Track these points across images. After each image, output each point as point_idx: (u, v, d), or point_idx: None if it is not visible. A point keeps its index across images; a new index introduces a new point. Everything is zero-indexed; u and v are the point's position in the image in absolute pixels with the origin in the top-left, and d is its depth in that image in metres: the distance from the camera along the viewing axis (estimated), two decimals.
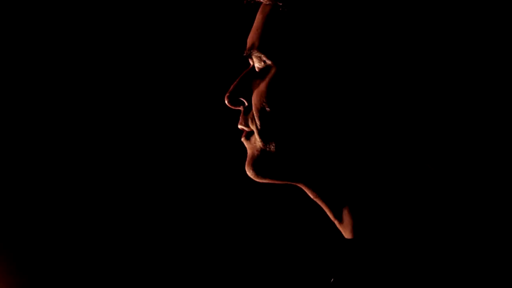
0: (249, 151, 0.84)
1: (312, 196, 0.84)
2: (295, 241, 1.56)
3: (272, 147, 0.81)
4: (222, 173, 1.67)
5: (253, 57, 0.83)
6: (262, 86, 0.82)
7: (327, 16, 0.79)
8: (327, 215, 0.85)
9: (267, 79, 0.81)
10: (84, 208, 1.68)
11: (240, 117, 0.85)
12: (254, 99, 0.82)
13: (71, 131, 1.69)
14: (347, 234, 0.82)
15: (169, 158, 1.71)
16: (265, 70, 0.82)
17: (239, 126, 0.86)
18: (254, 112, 0.82)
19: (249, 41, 0.84)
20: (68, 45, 1.67)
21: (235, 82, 0.85)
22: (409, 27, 0.79)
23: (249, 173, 0.84)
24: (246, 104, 0.84)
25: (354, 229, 0.81)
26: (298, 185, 0.84)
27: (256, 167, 0.83)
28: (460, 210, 0.76)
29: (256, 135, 0.82)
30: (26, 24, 1.65)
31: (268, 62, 0.81)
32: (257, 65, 0.84)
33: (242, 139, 0.85)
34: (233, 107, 0.86)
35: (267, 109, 0.81)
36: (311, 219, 1.54)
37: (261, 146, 0.82)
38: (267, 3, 0.82)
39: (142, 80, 1.70)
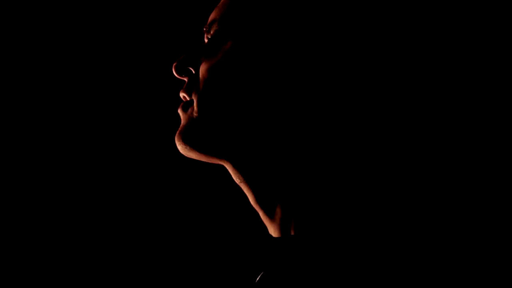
0: (183, 121, 0.83)
1: (237, 181, 0.82)
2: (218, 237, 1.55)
3: (208, 118, 0.80)
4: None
5: (211, 31, 0.83)
6: (213, 57, 0.81)
7: (289, 4, 0.78)
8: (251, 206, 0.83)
9: (220, 52, 0.81)
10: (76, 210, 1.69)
11: (184, 86, 0.85)
12: (202, 68, 0.82)
13: (63, 131, 1.69)
14: (274, 229, 0.81)
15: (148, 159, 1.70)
16: (220, 43, 0.82)
17: (181, 94, 0.85)
18: (200, 81, 0.82)
19: (211, 16, 0.84)
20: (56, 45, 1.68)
21: (186, 53, 0.85)
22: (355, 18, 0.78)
23: (178, 143, 0.82)
24: (194, 73, 0.84)
25: (283, 226, 0.79)
26: (225, 164, 0.82)
27: (186, 136, 0.81)
28: (396, 214, 0.75)
29: (194, 104, 0.82)
30: (21, 24, 1.66)
31: (225, 36, 0.81)
32: (213, 39, 0.83)
33: (179, 110, 0.84)
34: (179, 76, 0.85)
35: (213, 79, 0.80)
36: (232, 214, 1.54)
37: (197, 115, 0.81)
38: None
39: (136, 80, 1.70)
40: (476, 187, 0.81)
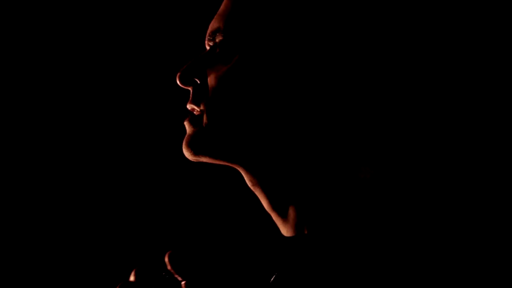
0: (189, 131, 0.83)
1: (250, 184, 0.83)
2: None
3: (219, 125, 0.80)
4: None
5: (216, 39, 0.83)
6: (222, 66, 0.81)
7: (296, 8, 0.79)
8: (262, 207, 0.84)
9: (228, 61, 0.81)
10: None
11: (191, 97, 0.84)
12: (211, 77, 0.81)
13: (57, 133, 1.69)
14: (287, 230, 0.82)
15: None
16: (227, 52, 0.81)
17: (189, 106, 0.84)
18: (209, 91, 0.81)
19: (214, 24, 0.84)
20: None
21: (190, 62, 0.84)
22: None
23: (186, 151, 0.82)
24: (199, 83, 0.83)
25: (297, 227, 0.80)
26: (238, 168, 0.83)
27: (194, 144, 0.81)
28: (400, 215, 0.76)
29: (205, 115, 0.81)
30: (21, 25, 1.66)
31: (232, 45, 0.81)
32: (218, 48, 0.83)
33: (186, 122, 0.83)
34: (183, 86, 0.84)
35: (223, 88, 0.80)
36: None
37: (206, 124, 0.81)
38: None
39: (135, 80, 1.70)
40: (477, 187, 0.82)
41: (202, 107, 0.82)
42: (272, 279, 0.78)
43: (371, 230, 0.74)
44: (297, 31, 0.79)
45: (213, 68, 0.82)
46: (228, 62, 0.81)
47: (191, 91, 0.84)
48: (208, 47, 0.85)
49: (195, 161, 0.83)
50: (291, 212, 0.81)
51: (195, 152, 0.81)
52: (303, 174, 0.80)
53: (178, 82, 0.83)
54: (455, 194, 0.79)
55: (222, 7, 0.84)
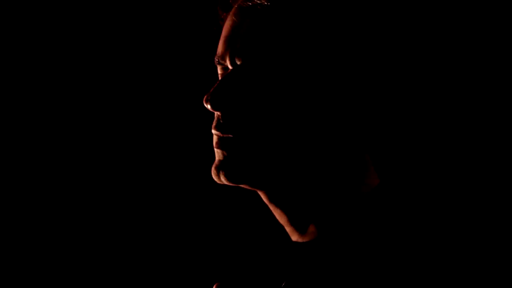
0: (221, 157, 0.79)
1: (270, 204, 0.82)
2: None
3: (258, 155, 0.78)
4: None
5: (238, 63, 0.79)
6: (254, 92, 0.78)
7: (319, 23, 0.77)
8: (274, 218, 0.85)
9: (260, 87, 0.77)
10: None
11: (219, 122, 0.79)
12: (243, 105, 0.78)
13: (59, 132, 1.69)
14: (302, 240, 0.82)
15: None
16: (255, 77, 0.78)
17: (216, 131, 0.80)
18: (246, 119, 0.78)
19: (229, 45, 0.80)
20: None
21: (216, 85, 0.79)
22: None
23: (223, 178, 0.79)
24: (228, 108, 0.78)
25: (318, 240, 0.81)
26: (260, 191, 0.82)
27: (231, 171, 0.78)
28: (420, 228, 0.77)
29: (237, 141, 0.78)
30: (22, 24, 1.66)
31: (256, 69, 0.77)
32: (244, 72, 0.78)
33: (217, 148, 0.80)
34: (213, 110, 0.79)
35: (255, 116, 0.77)
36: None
37: (240, 151, 0.78)
38: (259, 2, 0.78)
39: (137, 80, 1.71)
40: (482, 193, 0.83)
41: (232, 133, 0.78)
42: (282, 285, 0.78)
43: (380, 238, 0.76)
44: (320, 53, 0.77)
45: (243, 92, 0.78)
46: (259, 86, 0.77)
47: (219, 115, 0.79)
48: (230, 67, 0.80)
49: (226, 183, 0.80)
50: (312, 229, 0.82)
51: (233, 181, 0.79)
52: (323, 192, 0.80)
53: (208, 107, 0.79)
54: (462, 200, 0.80)
55: (234, 26, 0.80)
